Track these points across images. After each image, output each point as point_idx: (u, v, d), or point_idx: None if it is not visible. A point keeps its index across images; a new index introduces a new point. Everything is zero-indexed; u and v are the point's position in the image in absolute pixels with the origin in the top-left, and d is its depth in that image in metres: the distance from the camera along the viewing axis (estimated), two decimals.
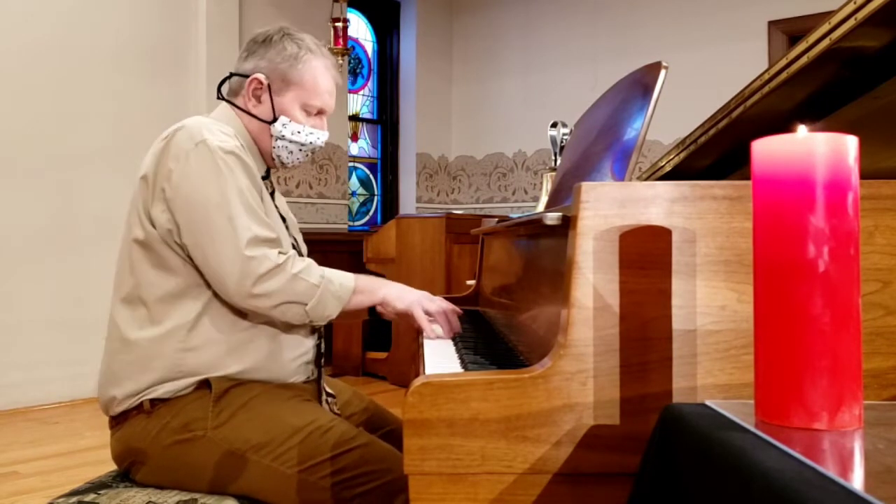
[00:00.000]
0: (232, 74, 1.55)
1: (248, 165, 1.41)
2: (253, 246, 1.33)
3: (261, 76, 1.50)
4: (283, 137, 1.51)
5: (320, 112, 1.55)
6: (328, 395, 1.55)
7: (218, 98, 1.57)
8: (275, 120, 1.50)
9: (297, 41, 1.52)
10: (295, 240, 1.58)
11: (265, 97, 1.50)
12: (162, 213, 1.37)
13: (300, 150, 1.54)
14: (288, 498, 1.30)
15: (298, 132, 1.52)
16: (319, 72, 1.52)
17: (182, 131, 1.39)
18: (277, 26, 1.56)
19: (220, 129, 1.42)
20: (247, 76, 1.51)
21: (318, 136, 1.55)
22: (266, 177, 1.56)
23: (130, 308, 1.40)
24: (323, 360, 1.56)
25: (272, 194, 1.57)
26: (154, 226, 1.37)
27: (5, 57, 3.86)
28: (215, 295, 1.38)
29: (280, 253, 1.36)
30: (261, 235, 1.35)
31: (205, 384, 1.36)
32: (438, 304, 1.49)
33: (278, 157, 1.53)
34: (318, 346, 1.54)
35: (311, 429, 1.33)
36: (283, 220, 1.55)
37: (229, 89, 1.56)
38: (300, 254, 1.56)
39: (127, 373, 1.37)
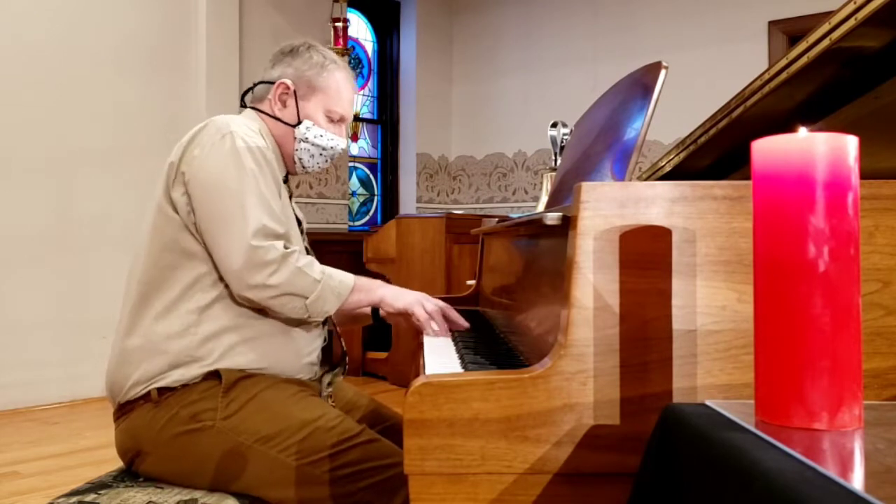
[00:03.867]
0: (258, 83, 1.61)
1: (270, 161, 1.46)
2: (261, 236, 1.36)
3: (287, 81, 1.56)
4: (306, 140, 1.57)
5: (341, 119, 1.61)
6: (328, 391, 1.56)
7: (241, 106, 1.63)
8: (299, 123, 1.56)
9: (322, 52, 1.61)
10: (308, 247, 1.60)
11: (290, 102, 1.57)
12: (181, 196, 1.41)
13: (321, 154, 1.60)
14: (292, 490, 1.32)
15: (321, 136, 1.58)
16: (343, 82, 1.60)
17: (211, 125, 1.45)
18: (303, 40, 1.63)
19: (247, 125, 1.48)
20: (273, 82, 1.57)
21: (338, 142, 1.61)
22: (285, 181, 1.59)
23: (146, 293, 1.42)
24: (342, 364, 1.60)
25: (290, 198, 1.60)
26: (176, 210, 1.41)
27: (5, 57, 3.86)
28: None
29: (286, 247, 1.39)
30: (269, 227, 1.38)
31: (214, 375, 1.38)
32: (435, 303, 1.51)
33: (300, 160, 1.59)
34: (324, 348, 1.57)
35: (318, 424, 1.35)
36: (299, 223, 1.59)
37: (253, 97, 1.62)
38: None
39: (140, 356, 1.39)
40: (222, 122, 1.44)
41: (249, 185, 1.39)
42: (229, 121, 1.45)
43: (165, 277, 1.41)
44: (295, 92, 1.56)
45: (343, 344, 1.63)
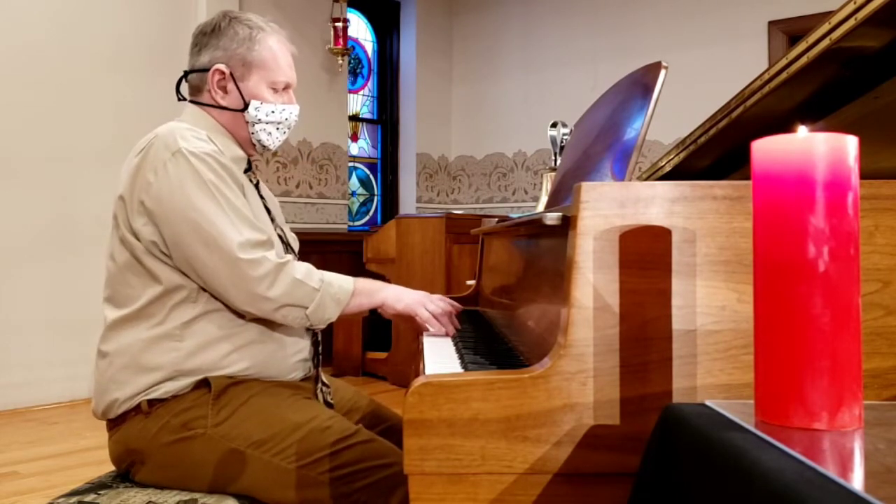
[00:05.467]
0: (188, 72, 1.53)
1: (227, 166, 1.40)
2: (247, 248, 1.33)
3: (221, 66, 1.48)
4: (259, 121, 1.49)
5: (287, 87, 1.53)
6: (323, 384, 1.55)
7: (179, 100, 1.56)
8: (246, 106, 1.49)
9: (245, 23, 1.51)
10: (282, 231, 1.56)
11: (231, 86, 1.48)
12: (144, 226, 1.36)
13: (277, 128, 1.52)
14: (288, 493, 1.31)
15: (272, 111, 1.50)
16: (276, 48, 1.51)
17: (157, 141, 1.38)
18: (220, 13, 1.54)
19: (193, 134, 1.41)
20: (206, 70, 1.49)
21: (291, 110, 1.53)
22: (248, 169, 1.55)
23: (125, 316, 1.39)
24: (321, 359, 1.57)
25: (256, 185, 1.55)
26: (138, 238, 1.37)
27: (5, 57, 3.86)
28: (212, 297, 1.38)
29: (277, 256, 1.36)
30: (252, 239, 1.35)
31: (203, 383, 1.37)
32: (437, 303, 1.50)
33: (259, 141, 1.52)
34: (314, 343, 1.55)
35: (312, 425, 1.34)
36: (269, 212, 1.54)
37: (190, 88, 1.54)
38: (288, 246, 1.55)
39: (126, 376, 1.37)
40: (168, 135, 1.38)
41: (216, 200, 1.34)
42: (175, 133, 1.38)
43: (143, 303, 1.37)
44: (232, 74, 1.48)
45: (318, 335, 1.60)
